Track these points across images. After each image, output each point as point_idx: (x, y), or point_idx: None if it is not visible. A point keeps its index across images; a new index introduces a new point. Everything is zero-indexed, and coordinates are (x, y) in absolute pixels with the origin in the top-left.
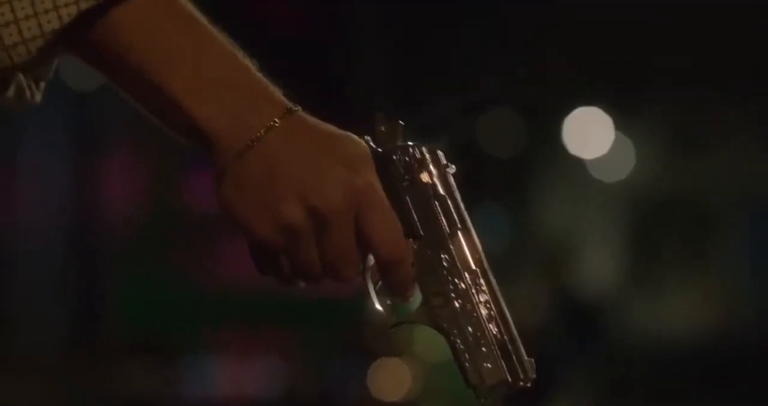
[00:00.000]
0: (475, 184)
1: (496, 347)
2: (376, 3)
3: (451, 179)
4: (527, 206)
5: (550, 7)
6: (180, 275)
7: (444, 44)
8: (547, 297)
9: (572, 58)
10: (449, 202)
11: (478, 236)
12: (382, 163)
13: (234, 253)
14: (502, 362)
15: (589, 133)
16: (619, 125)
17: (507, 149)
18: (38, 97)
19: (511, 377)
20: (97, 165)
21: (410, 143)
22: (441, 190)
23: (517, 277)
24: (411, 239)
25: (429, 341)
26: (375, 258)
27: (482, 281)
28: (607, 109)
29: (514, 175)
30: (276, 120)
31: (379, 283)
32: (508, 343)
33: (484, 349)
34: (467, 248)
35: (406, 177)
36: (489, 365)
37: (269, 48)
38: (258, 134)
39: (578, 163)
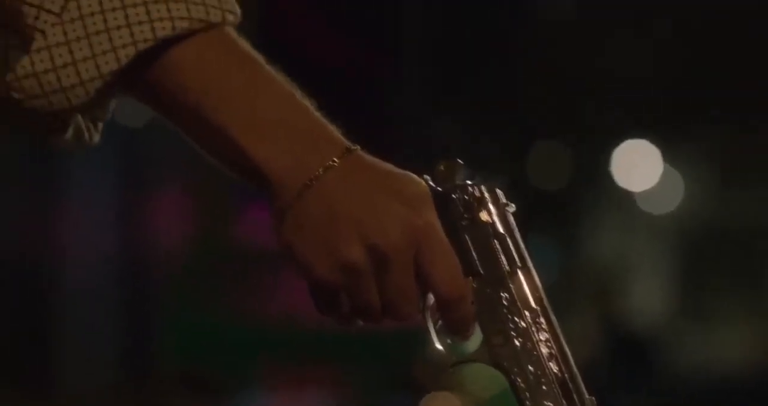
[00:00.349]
0: (523, 216)
1: (557, 385)
2: (422, 39)
3: (511, 218)
4: (576, 238)
5: (598, 40)
6: (230, 309)
7: (491, 77)
8: (597, 329)
9: (620, 91)
10: (509, 240)
11: None
12: (442, 202)
13: (284, 287)
14: (564, 401)
15: (638, 165)
16: (667, 157)
17: (556, 182)
18: (96, 138)
19: None
20: (146, 199)
21: (469, 182)
22: (500, 229)
23: (566, 309)
24: (471, 278)
25: (480, 376)
26: (435, 297)
27: (542, 319)
28: (655, 142)
29: (563, 208)
30: (335, 159)
31: (439, 321)
32: (568, 381)
33: (544, 387)
34: (527, 286)
35: (466, 216)
36: (550, 404)
37: (321, 87)
38: (317, 173)
39: (626, 195)
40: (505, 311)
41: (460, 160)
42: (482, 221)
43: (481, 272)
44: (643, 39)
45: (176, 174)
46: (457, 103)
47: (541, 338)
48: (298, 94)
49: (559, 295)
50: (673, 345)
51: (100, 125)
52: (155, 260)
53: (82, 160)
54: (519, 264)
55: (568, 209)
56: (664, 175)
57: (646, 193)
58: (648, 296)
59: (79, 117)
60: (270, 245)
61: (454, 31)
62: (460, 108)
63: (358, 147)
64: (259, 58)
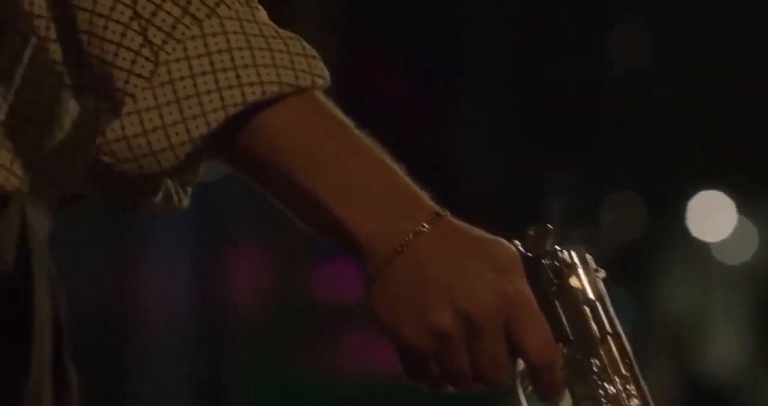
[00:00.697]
0: (598, 267)
1: None
2: (498, 90)
3: (601, 284)
4: (651, 288)
5: (672, 92)
6: (309, 366)
7: (566, 129)
8: (673, 380)
9: (694, 144)
10: (599, 306)
11: None
12: (532, 268)
13: (364, 342)
14: None
15: (712, 216)
16: (741, 209)
17: (630, 232)
18: (185, 202)
19: None
20: (222, 254)
21: (559, 248)
22: (591, 295)
23: (642, 360)
24: (561, 344)
25: None
26: (525, 363)
27: (632, 386)
28: (730, 193)
29: (638, 259)
30: (425, 225)
31: (529, 387)
32: None
33: None
34: (617, 352)
35: (556, 282)
36: None
37: (402, 148)
38: (407, 239)
39: (701, 246)
40: (595, 377)
41: (549, 225)
42: (572, 286)
43: (572, 338)
44: (718, 91)
45: (252, 228)
46: (534, 156)
47: (632, 404)
48: (388, 159)
49: (635, 345)
50: (751, 396)
51: (189, 189)
52: (232, 316)
53: (158, 215)
54: (609, 330)
55: (644, 259)
56: (739, 226)
57: (721, 244)
58: (724, 346)
59: (169, 181)
60: (348, 300)
61: (528, 80)
62: (537, 161)
63: (447, 212)
64: (348, 122)
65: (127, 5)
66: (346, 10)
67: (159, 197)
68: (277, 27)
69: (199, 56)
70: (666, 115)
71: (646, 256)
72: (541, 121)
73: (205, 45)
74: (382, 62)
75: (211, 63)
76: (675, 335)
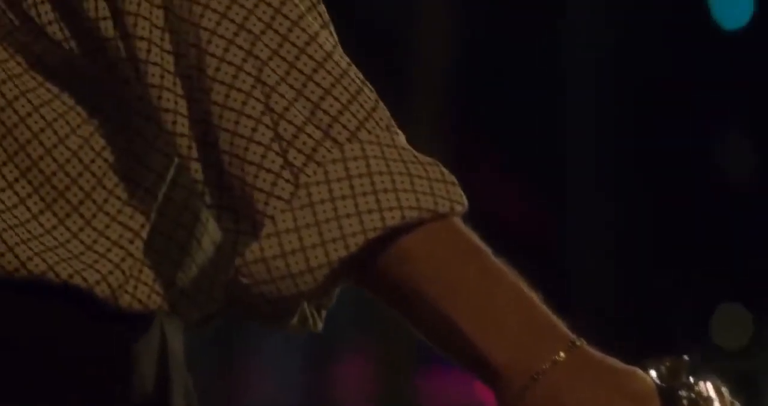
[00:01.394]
0: (733, 400)
1: None
2: (595, 209)
3: None
4: (760, 396)
5: None
6: None
7: (672, 243)
8: None
9: None
10: None
11: None
12: (668, 401)
13: None
14: None
15: None
16: None
17: (737, 341)
18: (320, 326)
19: None
20: (329, 364)
21: (695, 380)
22: None
23: None
24: None
25: None
26: None
27: None
28: None
29: (744, 367)
30: (561, 354)
31: None
32: None
33: None
34: None
35: None
36: None
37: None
38: (544, 368)
39: None
40: None
41: (686, 357)
42: None
43: None
44: None
45: (358, 337)
46: (639, 270)
47: None
48: (525, 286)
49: None
50: None
51: (323, 313)
52: None
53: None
54: None
55: (750, 368)
56: None
57: None
58: None
59: (305, 303)
60: None
61: (628, 193)
62: (642, 275)
63: (583, 341)
64: (486, 248)
65: (268, 127)
66: (453, 114)
67: (294, 319)
68: (415, 152)
69: (339, 180)
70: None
71: (753, 364)
72: (641, 237)
73: (346, 169)
74: (489, 165)
75: (351, 187)
76: None
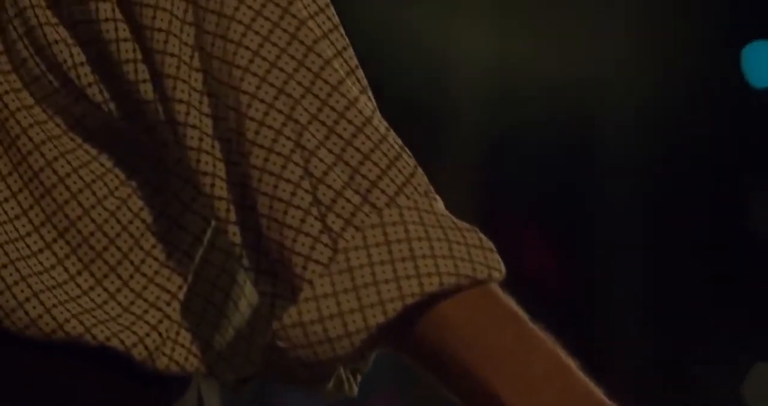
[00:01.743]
0: None
1: None
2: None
3: None
4: None
5: None
6: None
7: (705, 307)
8: None
9: None
10: None
11: None
12: None
13: None
14: None
15: None
16: None
17: None
18: (355, 390)
19: None
20: None
21: None
22: None
23: None
24: None
25: None
26: None
27: None
28: None
29: None
30: None
31: None
32: None
33: None
34: None
35: None
36: None
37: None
38: None
39: None
40: None
41: None
42: None
43: None
44: None
45: (390, 385)
46: (674, 333)
47: None
48: (562, 353)
49: None
50: None
51: (359, 377)
52: None
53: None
54: None
55: None
56: None
57: None
58: None
59: (341, 368)
60: None
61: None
62: (677, 337)
63: None
64: (524, 315)
65: (307, 191)
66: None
67: (330, 383)
68: (454, 218)
69: (377, 245)
70: None
71: None
72: (676, 298)
73: (384, 234)
74: (525, 231)
75: (390, 252)
76: None
